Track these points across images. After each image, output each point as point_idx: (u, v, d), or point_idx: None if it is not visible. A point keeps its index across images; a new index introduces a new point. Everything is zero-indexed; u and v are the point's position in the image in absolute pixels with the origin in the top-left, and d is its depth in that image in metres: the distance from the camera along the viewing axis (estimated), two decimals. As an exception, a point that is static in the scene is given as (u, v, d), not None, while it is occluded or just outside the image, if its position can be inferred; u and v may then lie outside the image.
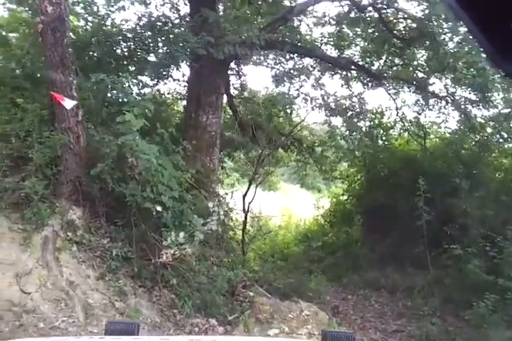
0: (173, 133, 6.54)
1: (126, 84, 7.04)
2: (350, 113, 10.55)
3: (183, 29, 7.80)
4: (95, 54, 8.31)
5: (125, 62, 8.63)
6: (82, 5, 8.14)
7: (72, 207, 5.78)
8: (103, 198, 5.98)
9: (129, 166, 5.90)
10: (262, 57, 9.10)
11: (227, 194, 8.85)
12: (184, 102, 9.85)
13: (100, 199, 5.97)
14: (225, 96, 9.50)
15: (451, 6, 0.79)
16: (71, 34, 7.63)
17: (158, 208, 5.80)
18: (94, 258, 5.54)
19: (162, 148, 6.26)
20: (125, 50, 8.69)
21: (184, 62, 8.86)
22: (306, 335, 5.55)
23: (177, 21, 8.97)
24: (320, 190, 17.02)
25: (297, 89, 9.85)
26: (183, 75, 9.35)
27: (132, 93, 7.35)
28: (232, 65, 9.54)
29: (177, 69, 8.97)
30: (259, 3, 9.33)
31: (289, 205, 16.62)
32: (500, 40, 0.75)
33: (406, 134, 12.03)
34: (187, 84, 9.22)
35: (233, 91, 10.63)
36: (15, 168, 5.65)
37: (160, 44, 8.36)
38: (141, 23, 8.67)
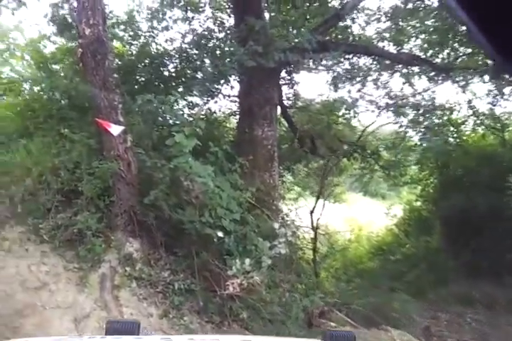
0: (227, 151, 6.07)
1: (176, 106, 6.71)
2: (416, 111, 9.66)
3: (229, 42, 7.44)
4: (142, 78, 8.12)
5: (173, 83, 8.34)
6: (122, 26, 7.91)
7: (129, 239, 5.40)
8: (160, 227, 5.57)
9: (185, 190, 5.49)
10: (315, 62, 8.49)
11: (291, 211, 8.27)
12: (236, 118, 9.44)
13: (157, 229, 5.56)
14: (278, 108, 8.96)
15: (452, 6, 0.79)
16: (117, 60, 7.49)
17: (220, 234, 5.32)
18: (155, 294, 5.11)
19: (217, 168, 5.81)
20: (172, 70, 8.43)
21: (233, 76, 8.55)
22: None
23: (222, 35, 8.60)
24: (384, 196, 16.02)
25: (359, 90, 9.11)
26: (232, 88, 8.93)
27: (183, 113, 7.03)
28: (283, 74, 9.01)
29: (226, 84, 8.62)
30: (307, 5, 8.76)
31: (354, 216, 15.68)
32: (501, 41, 0.75)
33: (480, 129, 10.99)
34: (238, 99, 8.78)
35: (286, 102, 10.07)
36: (66, 203, 5.37)
37: (207, 60, 8.04)
38: (186, 41, 8.42)
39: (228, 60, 6.69)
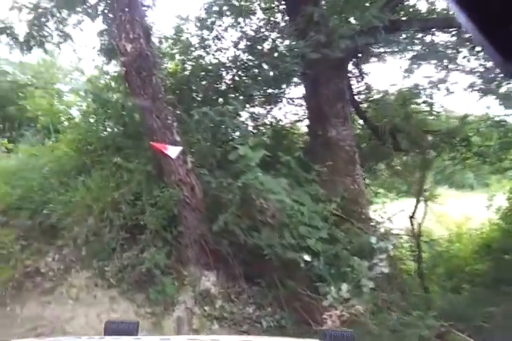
0: (300, 158, 5.28)
1: (238, 118, 6.07)
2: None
3: (286, 39, 6.71)
4: (199, 94, 7.58)
5: (231, 95, 7.72)
6: (171, 41, 7.44)
7: (204, 273, 4.75)
8: (236, 255, 4.87)
9: (258, 210, 4.77)
10: (385, 46, 7.44)
11: (383, 218, 7.22)
12: (304, 123, 8.62)
13: (234, 257, 4.86)
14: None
15: (452, 7, 0.81)
16: (171, 79, 7.03)
17: (306, 257, 4.51)
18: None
19: (292, 180, 5.04)
20: (229, 82, 7.83)
21: (295, 78, 7.80)
22: None
23: (277, 35, 7.87)
24: (473, 187, 14.26)
25: (439, 71, 7.89)
26: (296, 85, 8.15)
27: (246, 126, 6.38)
28: (350, 66, 8.07)
29: (288, 86, 7.87)
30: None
31: (447, 212, 13.92)
32: (501, 41, 0.75)
33: None
34: (304, 101, 7.95)
35: (357, 96, 9.06)
36: (131, 239, 4.85)
37: (265, 66, 7.36)
38: (239, 47, 7.80)
39: (288, 57, 5.94)
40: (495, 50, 0.76)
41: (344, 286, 4.40)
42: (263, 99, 8.16)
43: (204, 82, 7.41)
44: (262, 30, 7.96)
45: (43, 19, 6.54)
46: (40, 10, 6.44)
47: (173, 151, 4.81)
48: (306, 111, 7.91)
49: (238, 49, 7.76)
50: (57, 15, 6.71)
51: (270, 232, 4.62)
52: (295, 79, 7.81)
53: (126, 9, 4.95)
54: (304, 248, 4.58)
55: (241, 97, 7.43)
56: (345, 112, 6.84)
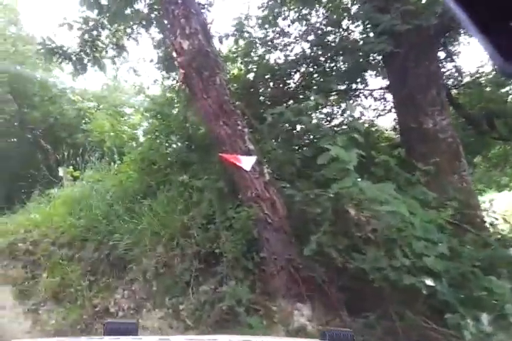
0: (400, 157, 4.29)
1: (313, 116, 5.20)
2: None
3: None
4: (267, 97, 6.81)
5: (302, 96, 6.86)
6: (231, 42, 6.71)
7: (296, 307, 3.86)
8: (334, 282, 3.93)
9: (356, 224, 3.82)
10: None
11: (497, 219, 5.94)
12: (387, 118, 7.59)
13: (330, 285, 3.92)
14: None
15: (452, 7, 0.78)
16: (234, 85, 6.33)
17: (428, 281, 3.49)
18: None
19: (394, 183, 4.05)
20: (299, 80, 6.98)
21: (373, 70, 6.86)
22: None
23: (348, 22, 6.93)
24: None
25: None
26: (377, 75, 7.14)
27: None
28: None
29: (362, 79, 6.91)
30: None
31: None
32: (500, 40, 0.75)
33: None
34: (389, 91, 6.91)
35: (449, 81, 7.86)
36: (206, 270, 4.11)
37: (340, 57, 6.49)
38: (308, 39, 6.96)
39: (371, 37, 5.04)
40: (495, 50, 0.74)
41: (484, 317, 3.34)
42: (337, 95, 7.27)
43: (271, 83, 6.64)
44: (331, 19, 7.05)
45: (95, 32, 6.09)
46: (91, 23, 5.99)
47: (247, 162, 4.02)
48: (392, 103, 6.87)
49: (307, 42, 6.94)
50: (109, 27, 6.28)
51: (376, 252, 3.66)
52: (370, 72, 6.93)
53: (179, 1, 4.27)
54: (421, 269, 3.57)
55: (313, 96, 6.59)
56: (442, 99, 5.71)
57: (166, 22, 4.74)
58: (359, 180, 3.53)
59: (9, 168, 10.91)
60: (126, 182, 5.77)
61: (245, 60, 7.06)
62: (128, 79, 14.75)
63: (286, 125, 4.75)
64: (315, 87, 6.66)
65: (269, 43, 6.87)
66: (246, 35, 6.66)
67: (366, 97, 7.61)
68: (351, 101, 7.17)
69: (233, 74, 7.09)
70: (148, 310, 4.09)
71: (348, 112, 6.75)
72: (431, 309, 3.71)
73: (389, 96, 7.36)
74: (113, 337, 1.59)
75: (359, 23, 6.25)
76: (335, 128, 6.57)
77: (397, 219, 3.45)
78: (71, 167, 7.62)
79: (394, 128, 7.71)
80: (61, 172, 7.45)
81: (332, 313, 3.98)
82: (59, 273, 5.12)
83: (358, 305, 3.94)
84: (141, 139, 7.56)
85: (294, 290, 3.94)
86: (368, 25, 5.62)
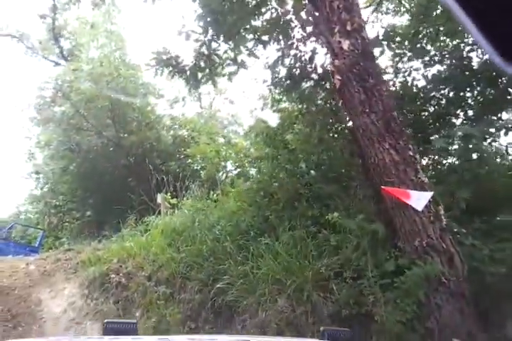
0: None
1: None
2: None
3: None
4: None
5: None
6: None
7: None
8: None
9: None
10: None
11: None
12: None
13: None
14: None
15: (451, 7, 0.74)
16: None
17: None
18: None
19: None
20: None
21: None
22: None
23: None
24: None
25: None
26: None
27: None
28: None
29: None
30: None
31: None
32: (500, 40, 0.72)
33: None
34: None
35: None
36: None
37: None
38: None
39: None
40: (494, 49, 0.72)
41: None
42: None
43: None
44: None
45: (214, 44, 5.48)
46: (210, 34, 5.38)
47: (418, 199, 3.01)
48: None
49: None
50: (228, 41, 5.64)
51: None
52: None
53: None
54: None
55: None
56: None
57: (318, 18, 3.89)
58: None
59: (103, 191, 10.63)
60: (236, 214, 4.93)
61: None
62: (222, 108, 14.35)
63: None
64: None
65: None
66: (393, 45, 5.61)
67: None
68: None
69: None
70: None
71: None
72: None
73: None
74: (113, 336, 1.56)
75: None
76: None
77: None
78: (168, 194, 6.98)
79: None
80: (159, 198, 6.80)
81: None
82: (155, 315, 4.36)
83: None
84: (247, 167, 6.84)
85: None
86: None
